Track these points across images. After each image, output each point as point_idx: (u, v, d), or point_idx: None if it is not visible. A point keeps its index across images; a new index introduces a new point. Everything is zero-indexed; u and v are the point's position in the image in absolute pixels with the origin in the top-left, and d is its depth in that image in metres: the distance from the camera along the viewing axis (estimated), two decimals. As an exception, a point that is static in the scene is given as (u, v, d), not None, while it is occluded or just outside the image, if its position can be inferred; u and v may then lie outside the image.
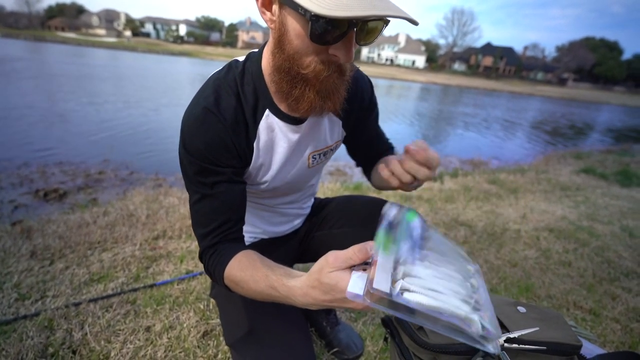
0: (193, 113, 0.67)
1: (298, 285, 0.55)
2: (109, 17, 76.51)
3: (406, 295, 0.46)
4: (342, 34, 0.55)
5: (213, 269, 0.70)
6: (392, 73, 41.95)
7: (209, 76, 0.72)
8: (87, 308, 1.23)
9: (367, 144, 0.93)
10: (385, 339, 0.81)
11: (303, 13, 0.52)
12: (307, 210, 1.04)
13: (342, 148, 0.96)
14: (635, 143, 9.16)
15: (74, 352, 1.06)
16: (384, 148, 0.96)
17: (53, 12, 75.58)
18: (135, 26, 78.58)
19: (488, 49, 72.54)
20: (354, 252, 0.51)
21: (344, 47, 0.57)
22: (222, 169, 0.69)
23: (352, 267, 0.51)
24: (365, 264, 0.51)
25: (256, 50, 0.73)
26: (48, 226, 1.82)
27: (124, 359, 1.05)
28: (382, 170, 0.68)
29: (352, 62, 0.64)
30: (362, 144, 0.92)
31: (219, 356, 1.09)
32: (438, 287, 0.49)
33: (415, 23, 0.53)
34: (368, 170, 0.97)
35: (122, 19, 78.45)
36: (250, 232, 0.97)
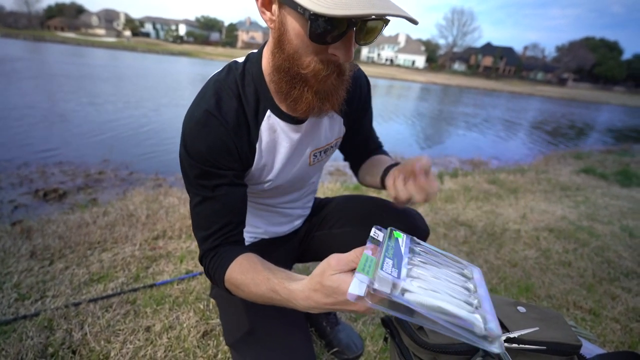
0: (194, 116, 0.67)
1: (300, 288, 0.55)
2: (108, 17, 76.50)
3: (407, 295, 0.46)
4: (341, 33, 0.54)
5: (213, 272, 0.70)
6: (392, 73, 41.95)
7: (208, 77, 0.72)
8: (87, 308, 1.23)
9: (360, 142, 0.94)
10: (385, 339, 0.81)
11: (302, 12, 0.52)
12: (308, 211, 1.04)
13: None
14: (635, 143, 9.16)
15: (73, 352, 1.06)
16: (374, 146, 0.99)
17: (52, 12, 75.57)
18: (135, 26, 78.57)
19: (488, 49, 72.55)
20: (356, 255, 0.50)
21: (344, 46, 0.57)
22: (223, 172, 0.68)
23: (354, 270, 0.50)
24: None
25: (255, 50, 0.73)
26: (48, 226, 1.81)
27: (123, 359, 1.05)
28: (388, 180, 0.73)
29: (352, 61, 0.64)
30: (355, 141, 0.93)
31: (219, 356, 1.09)
32: (438, 288, 0.50)
33: (415, 22, 0.53)
34: (356, 166, 1.00)
35: (122, 19, 78.44)
36: (251, 232, 0.97)
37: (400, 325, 0.72)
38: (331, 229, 0.98)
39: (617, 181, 4.28)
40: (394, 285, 0.47)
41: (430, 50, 75.13)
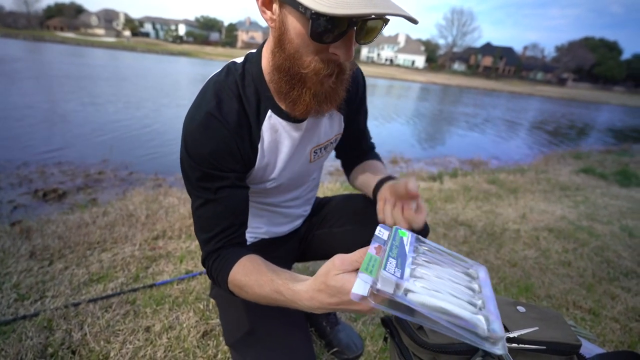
0: (195, 118, 0.66)
1: (304, 289, 0.55)
2: (108, 17, 76.45)
3: (410, 296, 0.47)
4: (342, 32, 0.55)
5: (217, 274, 0.70)
6: (392, 73, 41.96)
7: (208, 77, 0.72)
8: (86, 308, 1.23)
9: (353, 140, 0.95)
10: (385, 339, 0.81)
11: (303, 11, 0.53)
12: (309, 210, 1.04)
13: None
14: (635, 143, 9.17)
15: (73, 353, 1.06)
16: (367, 147, 1.00)
17: (52, 12, 75.53)
18: (135, 26, 78.53)
19: (488, 49, 72.59)
20: (360, 255, 0.51)
21: (344, 45, 0.57)
22: (225, 174, 0.68)
23: (358, 270, 0.51)
24: None
25: (254, 50, 0.73)
26: (47, 226, 1.81)
27: (123, 359, 1.05)
28: (379, 201, 0.77)
29: (352, 60, 0.64)
30: (348, 139, 0.93)
31: (219, 356, 1.09)
32: (441, 288, 0.50)
33: (415, 22, 0.54)
34: (348, 166, 1.02)
35: (121, 19, 78.39)
36: (252, 232, 0.97)
37: (400, 325, 0.72)
38: (331, 227, 0.98)
39: (616, 181, 4.29)
40: (397, 286, 0.47)
41: (430, 50, 75.16)
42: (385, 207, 0.72)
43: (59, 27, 68.23)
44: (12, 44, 27.78)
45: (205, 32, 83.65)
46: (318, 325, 1.19)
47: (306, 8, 0.52)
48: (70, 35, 55.87)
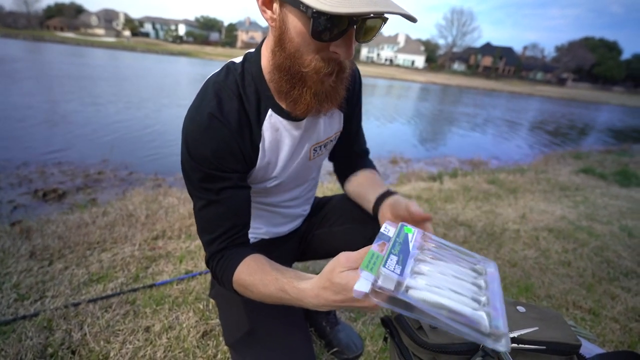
0: (196, 119, 0.66)
1: (309, 287, 0.56)
2: (107, 17, 76.42)
3: (411, 292, 0.47)
4: (342, 31, 0.55)
5: (221, 274, 0.70)
6: (392, 73, 41.93)
7: (206, 79, 0.72)
8: (86, 308, 1.23)
9: (347, 139, 0.93)
10: (385, 339, 0.81)
11: (305, 10, 0.53)
12: (308, 210, 1.04)
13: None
14: (635, 143, 9.18)
15: (73, 353, 1.06)
16: (361, 150, 0.98)
17: (52, 12, 75.50)
18: (135, 26, 78.50)
19: (487, 49, 72.58)
20: (365, 252, 0.51)
21: (345, 44, 0.58)
22: (227, 175, 0.68)
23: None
24: None
25: (252, 50, 0.73)
26: (47, 226, 1.81)
27: (123, 359, 1.05)
28: (380, 220, 0.76)
29: (352, 59, 0.64)
30: (343, 138, 0.92)
31: (219, 356, 1.09)
32: (444, 285, 0.50)
33: (414, 20, 0.54)
34: (341, 172, 0.99)
35: (121, 19, 78.36)
36: (251, 232, 0.96)
37: (400, 325, 0.72)
38: (332, 226, 0.98)
39: (616, 181, 4.29)
40: (398, 283, 0.47)
41: (430, 50, 75.17)
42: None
43: (59, 27, 68.21)
44: (12, 44, 27.77)
45: (205, 32, 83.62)
46: (318, 325, 1.19)
47: (307, 7, 0.52)
48: (70, 35, 55.84)
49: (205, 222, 0.71)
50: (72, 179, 3.16)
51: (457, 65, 73.16)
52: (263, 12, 0.61)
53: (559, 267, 1.86)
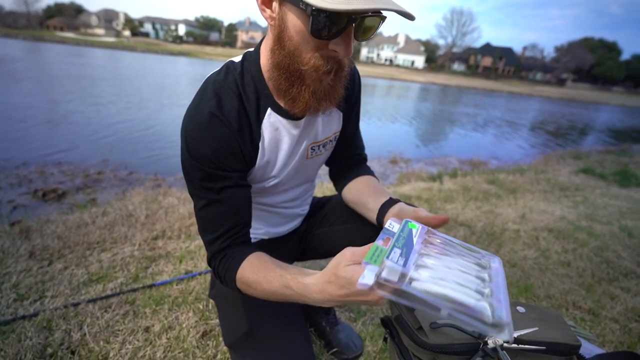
0: (196, 118, 0.66)
1: (313, 281, 0.56)
2: (107, 17, 76.40)
3: (414, 284, 0.47)
4: (341, 29, 0.56)
5: (224, 273, 0.70)
6: (392, 73, 41.93)
7: (205, 78, 0.72)
8: (85, 308, 1.23)
9: (345, 141, 0.91)
10: (385, 339, 0.81)
11: (304, 8, 0.54)
12: (307, 210, 1.04)
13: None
14: (634, 143, 9.18)
15: (72, 353, 1.06)
16: (359, 155, 0.96)
17: (52, 12, 75.45)
18: (134, 26, 78.46)
19: (487, 49, 72.61)
20: (369, 247, 0.52)
21: (343, 42, 0.58)
22: (228, 174, 0.68)
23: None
24: None
25: (252, 49, 0.73)
26: (47, 226, 1.81)
27: (122, 359, 1.05)
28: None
29: (351, 57, 0.64)
30: (340, 140, 0.90)
31: (218, 356, 1.09)
32: (447, 277, 0.50)
33: (411, 18, 0.55)
34: (338, 178, 0.97)
35: (121, 19, 78.33)
36: (251, 233, 0.96)
37: (400, 325, 0.72)
38: (332, 226, 0.98)
39: (615, 181, 4.29)
40: (402, 274, 0.47)
41: (430, 50, 75.20)
42: None
43: (59, 27, 68.18)
44: (12, 44, 27.76)
45: (205, 32, 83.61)
46: (317, 325, 1.19)
47: (307, 4, 0.53)
48: (70, 35, 55.79)
49: (206, 221, 0.71)
50: (71, 179, 3.15)
51: (456, 66, 73.18)
52: (262, 10, 0.61)
53: (558, 268, 1.86)
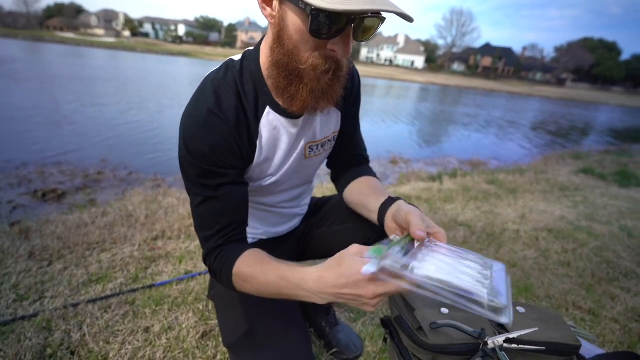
0: (194, 114, 0.67)
1: (312, 269, 0.57)
2: (107, 17, 76.41)
3: (416, 271, 0.49)
4: (340, 29, 0.56)
5: (220, 269, 0.70)
6: (391, 73, 41.93)
7: (204, 76, 0.72)
8: (85, 309, 1.23)
9: (346, 141, 0.91)
10: (385, 340, 0.81)
11: (304, 7, 0.54)
12: (305, 210, 1.04)
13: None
14: (634, 143, 9.18)
15: (72, 353, 1.06)
16: (360, 155, 0.96)
17: (51, 12, 75.44)
18: (134, 26, 78.47)
19: (487, 49, 72.61)
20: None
21: (342, 42, 0.59)
22: (225, 171, 0.69)
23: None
24: None
25: (251, 48, 0.74)
26: (46, 227, 1.81)
27: (122, 359, 1.05)
28: (387, 230, 0.72)
29: (350, 57, 0.65)
30: (340, 140, 0.90)
31: (218, 357, 1.09)
32: (449, 269, 0.52)
33: (410, 20, 0.55)
34: (340, 179, 0.96)
35: (121, 19, 78.33)
36: (250, 233, 0.96)
37: (400, 325, 0.72)
38: (331, 226, 0.98)
39: (615, 181, 4.29)
40: (404, 265, 0.49)
41: (430, 50, 75.22)
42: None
43: (59, 27, 68.19)
44: (12, 44, 27.76)
45: (205, 32, 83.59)
46: (317, 325, 1.19)
47: (306, 4, 0.53)
48: (70, 35, 55.78)
49: (202, 218, 0.71)
50: (71, 179, 3.15)
51: (456, 66, 73.20)
52: (263, 9, 0.62)
53: (558, 268, 1.86)
